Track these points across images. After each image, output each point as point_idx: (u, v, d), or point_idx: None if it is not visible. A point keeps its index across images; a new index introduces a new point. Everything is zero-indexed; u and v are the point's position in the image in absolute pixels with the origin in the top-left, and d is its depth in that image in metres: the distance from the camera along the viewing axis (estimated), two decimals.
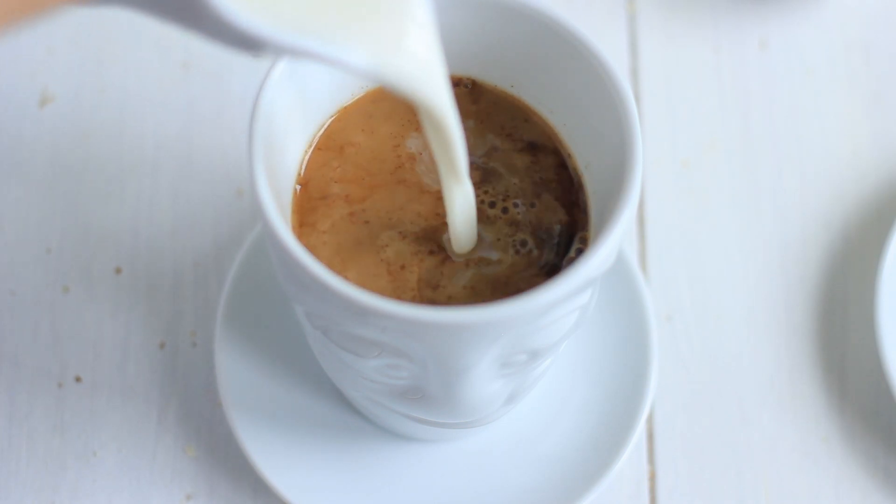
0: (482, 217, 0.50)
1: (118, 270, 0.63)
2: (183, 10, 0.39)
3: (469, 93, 0.52)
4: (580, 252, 0.50)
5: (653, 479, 0.61)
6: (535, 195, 0.51)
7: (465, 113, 0.52)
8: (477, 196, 0.50)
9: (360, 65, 0.42)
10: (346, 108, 0.52)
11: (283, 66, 0.48)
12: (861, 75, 0.68)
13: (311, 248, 0.49)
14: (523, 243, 0.50)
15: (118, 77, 0.67)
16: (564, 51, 0.50)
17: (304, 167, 0.51)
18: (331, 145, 0.51)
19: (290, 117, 0.50)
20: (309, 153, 0.51)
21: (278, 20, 0.40)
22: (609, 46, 0.68)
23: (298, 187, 0.50)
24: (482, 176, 0.51)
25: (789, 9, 0.70)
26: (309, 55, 0.41)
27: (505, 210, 0.50)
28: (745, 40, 0.69)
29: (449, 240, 0.50)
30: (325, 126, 0.52)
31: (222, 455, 0.60)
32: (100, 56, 0.67)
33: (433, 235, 0.50)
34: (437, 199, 0.50)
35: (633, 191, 0.47)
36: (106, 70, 0.67)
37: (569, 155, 0.52)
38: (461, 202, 0.48)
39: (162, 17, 0.41)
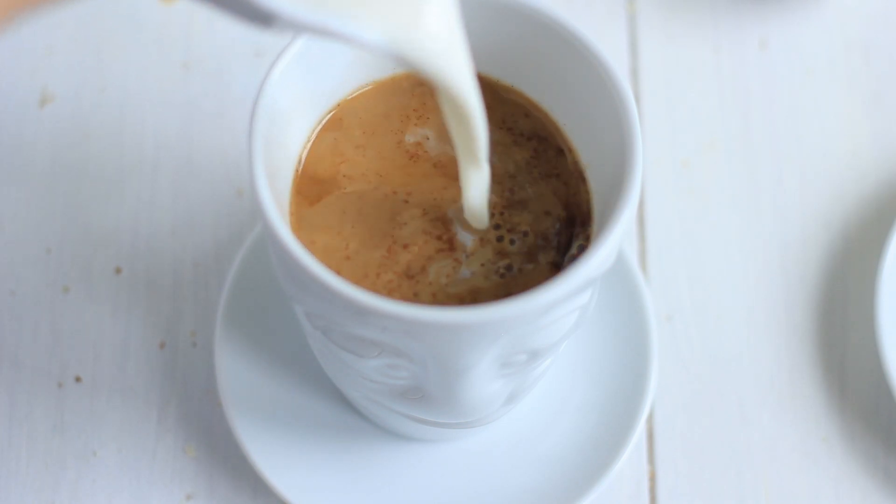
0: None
1: (118, 270, 0.63)
2: None
3: None
4: (582, 249, 0.50)
5: (653, 479, 0.61)
6: (537, 191, 0.51)
7: None
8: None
9: (376, 41, 0.42)
10: (344, 102, 0.52)
11: (283, 65, 0.48)
12: (861, 75, 0.68)
13: (309, 241, 0.49)
14: (508, 268, 0.50)
15: (118, 76, 0.67)
16: (564, 51, 0.50)
17: (303, 161, 0.51)
18: (330, 139, 0.51)
19: (291, 116, 0.50)
20: (308, 147, 0.51)
21: None
22: (609, 46, 0.68)
23: (299, 173, 0.50)
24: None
25: (789, 9, 0.70)
26: (324, 31, 0.41)
27: (503, 240, 0.50)
28: (745, 40, 0.69)
29: (456, 232, 0.50)
30: (325, 121, 0.51)
31: (222, 455, 0.60)
32: (100, 55, 0.67)
33: (439, 227, 0.50)
34: (443, 190, 0.50)
35: (633, 190, 0.47)
36: (106, 69, 0.67)
37: (570, 149, 0.52)
38: (476, 185, 0.47)
39: None
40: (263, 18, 0.40)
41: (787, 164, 0.66)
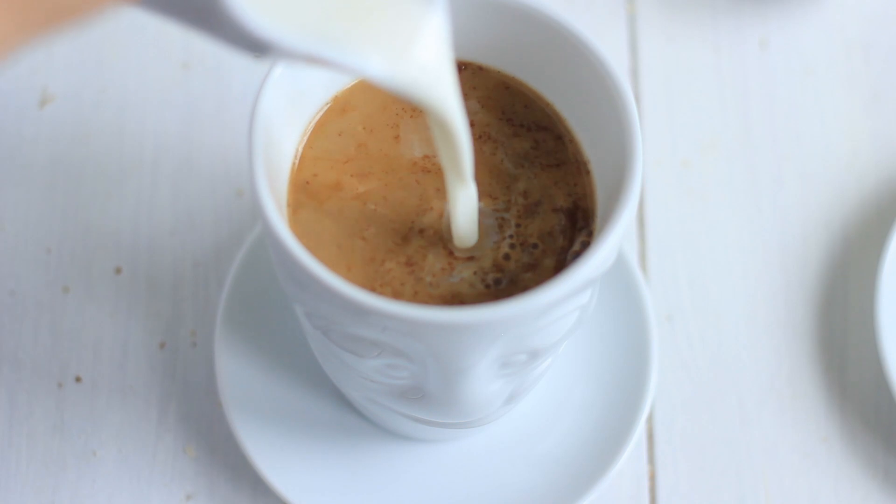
0: (486, 218, 0.50)
1: (118, 270, 0.63)
2: (201, 16, 0.39)
3: (473, 76, 0.52)
4: (585, 245, 0.50)
5: (653, 479, 0.61)
6: (541, 183, 0.51)
7: (469, 95, 0.52)
8: (487, 203, 0.50)
9: (374, 72, 0.42)
10: (341, 94, 0.52)
11: (283, 66, 0.48)
12: (861, 75, 0.68)
13: (308, 239, 0.49)
14: (497, 282, 0.49)
15: (118, 77, 0.67)
16: (565, 50, 0.50)
17: (300, 155, 0.51)
18: (327, 133, 0.51)
19: (290, 115, 0.50)
20: (305, 140, 0.51)
21: (292, 26, 0.40)
22: (609, 46, 0.68)
23: (296, 167, 0.50)
24: (487, 175, 0.51)
25: (789, 9, 0.70)
26: (323, 62, 0.41)
27: (509, 259, 0.50)
28: (745, 40, 0.69)
29: (448, 236, 0.50)
30: (322, 113, 0.51)
31: (222, 455, 0.60)
32: (100, 56, 0.67)
33: (435, 227, 0.50)
34: (438, 186, 0.50)
35: (633, 191, 0.47)
36: (106, 70, 0.67)
37: (571, 140, 0.51)
38: (464, 203, 0.48)
39: (179, 21, 0.40)
40: (259, 48, 0.40)
41: (787, 164, 0.66)
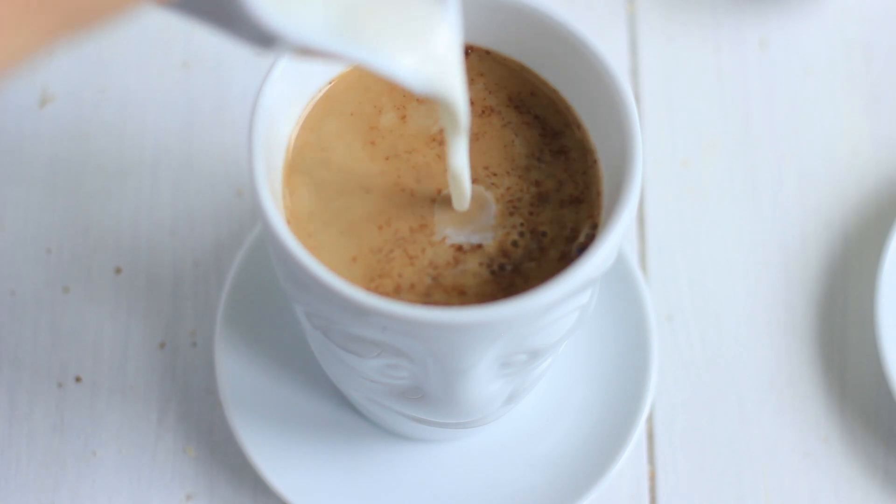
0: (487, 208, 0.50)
1: (118, 270, 0.63)
2: (222, 14, 0.39)
3: (480, 61, 0.52)
4: (590, 238, 0.49)
5: (653, 479, 0.61)
6: (551, 171, 0.51)
7: (475, 81, 0.52)
8: (492, 191, 0.50)
9: (401, 73, 0.42)
10: (338, 80, 0.51)
11: (283, 65, 0.48)
12: (861, 75, 0.68)
13: (309, 234, 0.49)
14: (501, 267, 0.49)
15: (118, 77, 0.67)
16: (566, 50, 0.50)
17: (294, 146, 0.50)
18: (327, 125, 0.51)
19: (291, 114, 0.50)
20: (304, 137, 0.51)
21: (313, 23, 0.40)
22: (609, 46, 0.68)
23: (290, 161, 0.50)
24: (484, 152, 0.51)
25: (789, 9, 0.70)
26: (344, 59, 0.41)
27: (517, 245, 0.50)
28: (745, 40, 0.69)
29: (439, 232, 0.49)
30: (321, 108, 0.51)
31: (222, 455, 0.60)
32: (100, 56, 0.67)
33: (427, 223, 0.50)
34: (430, 186, 0.50)
35: (633, 191, 0.47)
36: (106, 70, 0.67)
37: (578, 127, 0.51)
38: (457, 151, 0.47)
39: (197, 19, 0.40)
40: (266, 41, 0.40)
41: (787, 164, 0.66)
